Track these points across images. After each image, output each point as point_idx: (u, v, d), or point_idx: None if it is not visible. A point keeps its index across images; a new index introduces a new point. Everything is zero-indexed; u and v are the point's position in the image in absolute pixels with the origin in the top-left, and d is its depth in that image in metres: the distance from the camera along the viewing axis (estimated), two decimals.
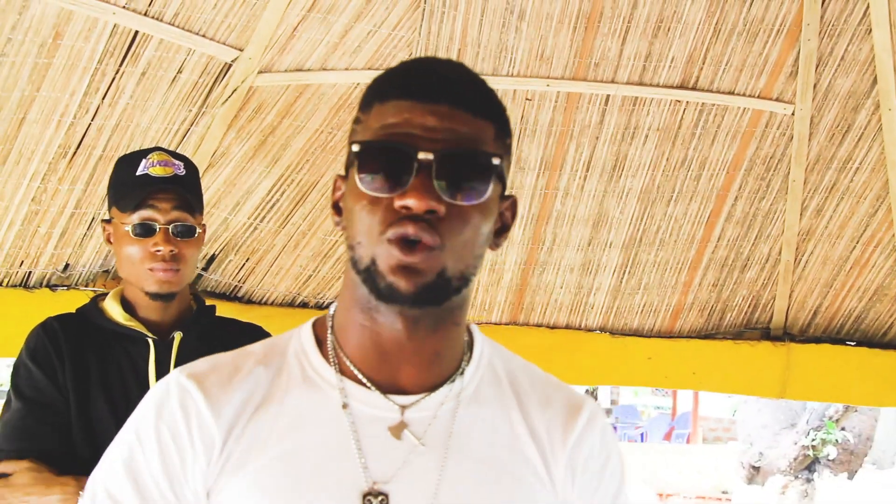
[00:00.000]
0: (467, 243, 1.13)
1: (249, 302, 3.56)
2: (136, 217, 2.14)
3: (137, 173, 2.16)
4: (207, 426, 1.16)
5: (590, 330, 3.88)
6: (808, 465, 11.33)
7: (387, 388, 1.19)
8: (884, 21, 3.14)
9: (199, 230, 2.21)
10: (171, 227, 2.15)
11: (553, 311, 3.83)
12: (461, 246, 1.12)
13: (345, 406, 1.18)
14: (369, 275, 1.12)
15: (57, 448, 2.08)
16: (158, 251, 2.13)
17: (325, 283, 3.61)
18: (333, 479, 1.15)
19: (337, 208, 1.21)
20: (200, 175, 2.40)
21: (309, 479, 1.15)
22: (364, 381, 1.19)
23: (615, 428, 18.87)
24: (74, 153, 3.06)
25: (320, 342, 1.24)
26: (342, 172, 1.21)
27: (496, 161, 1.13)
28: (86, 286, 3.35)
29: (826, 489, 11.91)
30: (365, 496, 1.14)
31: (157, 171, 2.16)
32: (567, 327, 3.87)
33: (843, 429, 11.23)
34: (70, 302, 3.21)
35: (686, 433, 18.26)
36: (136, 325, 2.18)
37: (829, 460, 11.40)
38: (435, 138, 1.10)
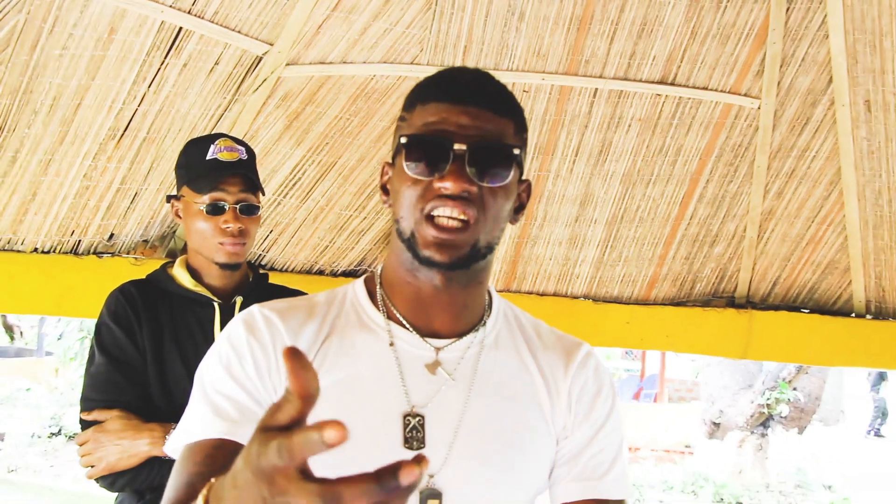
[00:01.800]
0: (494, 218, 1.25)
1: (272, 269, 3.56)
2: (207, 197, 2.22)
3: (208, 157, 2.23)
4: (286, 343, 1.25)
5: (575, 297, 3.89)
6: (763, 421, 11.41)
7: (425, 333, 1.31)
8: (839, 27, 3.15)
9: (260, 208, 2.29)
10: (238, 206, 2.23)
11: (543, 280, 3.85)
12: (490, 220, 1.24)
13: (391, 344, 1.30)
14: (410, 245, 1.25)
15: (138, 400, 2.16)
16: (227, 227, 2.21)
17: (340, 254, 3.63)
18: (381, 401, 1.26)
19: (385, 189, 1.34)
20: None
21: (362, 399, 1.25)
22: (407, 326, 1.31)
23: None
24: (122, 135, 3.06)
25: (370, 294, 1.35)
26: (389, 160, 1.32)
27: (516, 151, 1.25)
28: (127, 254, 3.37)
29: (778, 443, 12.02)
30: (405, 416, 1.25)
31: (225, 157, 2.24)
32: (555, 294, 3.89)
33: (794, 389, 11.31)
34: (113, 267, 3.31)
35: (653, 393, 18.03)
36: (203, 290, 2.26)
37: (781, 417, 11.50)
38: (467, 133, 1.22)
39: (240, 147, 2.31)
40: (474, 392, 1.30)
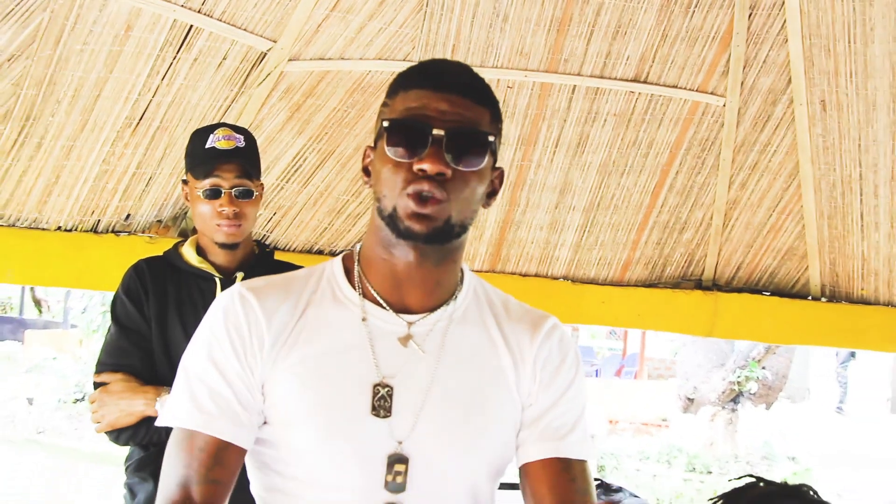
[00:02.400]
0: (467, 200, 1.25)
1: (276, 249, 3.51)
2: (206, 183, 2.24)
3: (206, 146, 2.25)
4: (261, 330, 1.26)
5: (555, 278, 3.88)
6: (734, 397, 11.47)
7: (398, 308, 1.30)
8: (797, 32, 3.18)
9: (256, 192, 2.29)
10: (233, 190, 2.24)
11: (525, 262, 3.84)
12: (462, 202, 1.24)
13: (364, 319, 1.29)
14: (391, 220, 1.23)
15: (142, 363, 2.21)
16: (223, 211, 2.23)
17: (338, 235, 3.64)
18: (353, 372, 1.26)
19: (366, 171, 1.32)
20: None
21: (334, 372, 1.26)
22: (381, 302, 1.30)
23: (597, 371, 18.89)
24: (137, 124, 3.08)
25: (347, 272, 1.34)
26: (371, 144, 1.32)
27: (491, 139, 1.26)
28: (143, 233, 3.38)
29: (747, 418, 12.09)
30: (375, 386, 1.25)
31: (222, 145, 2.25)
32: (536, 275, 3.87)
33: (763, 368, 11.36)
34: (129, 245, 3.32)
35: (634, 371, 18.09)
36: (207, 266, 2.29)
37: (750, 394, 11.55)
38: (446, 119, 1.22)
39: (238, 135, 2.32)
40: (442, 363, 1.29)
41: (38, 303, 20.33)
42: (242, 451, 1.27)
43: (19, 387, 12.44)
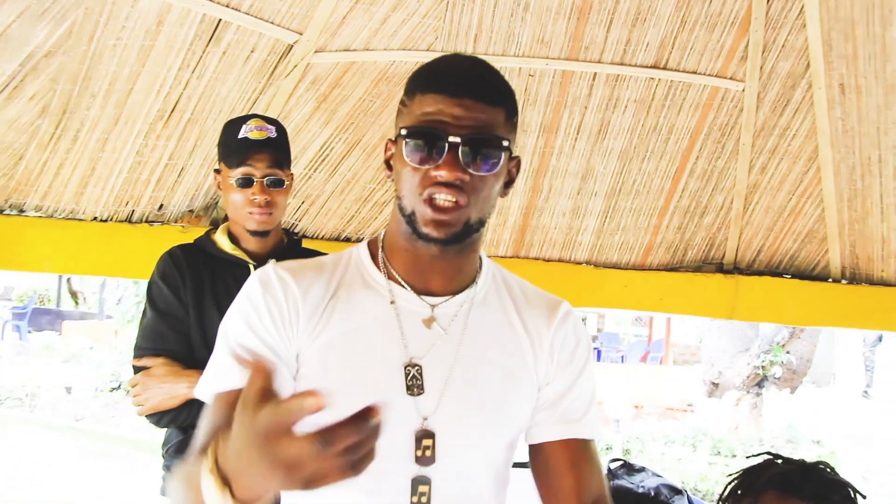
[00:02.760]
0: (485, 199, 1.28)
1: (304, 237, 3.57)
2: (238, 172, 2.26)
3: (239, 136, 2.28)
4: (297, 304, 1.30)
5: (577, 263, 3.91)
6: (758, 381, 11.42)
7: (421, 292, 1.35)
8: (815, 17, 3.16)
9: (287, 181, 2.32)
10: (265, 179, 2.27)
11: (548, 247, 3.87)
12: (481, 202, 1.27)
13: (392, 302, 1.33)
14: (410, 221, 1.27)
15: (181, 348, 2.23)
16: (255, 199, 2.25)
17: (365, 223, 3.67)
18: (383, 353, 1.30)
19: (388, 165, 1.35)
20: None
21: (365, 351, 1.30)
22: (405, 285, 1.35)
23: (599, 352, 18.86)
24: (169, 116, 3.11)
25: (373, 257, 1.38)
26: (392, 138, 1.34)
27: (506, 143, 1.27)
28: (175, 222, 3.42)
29: (772, 402, 12.04)
30: (406, 366, 1.30)
31: (254, 135, 2.28)
32: (559, 260, 3.90)
33: (787, 352, 11.30)
34: (162, 234, 3.36)
35: (659, 356, 18.06)
36: (240, 253, 2.32)
37: (775, 378, 11.49)
38: (461, 125, 1.23)
39: (270, 126, 2.34)
40: (464, 344, 1.33)
41: (74, 294, 20.63)
42: None
43: (58, 376, 12.65)
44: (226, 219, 2.49)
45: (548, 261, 3.91)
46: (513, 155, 1.34)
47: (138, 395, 2.25)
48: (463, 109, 1.23)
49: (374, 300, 1.34)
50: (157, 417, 2.25)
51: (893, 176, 3.48)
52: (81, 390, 12.09)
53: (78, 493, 7.83)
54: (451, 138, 1.22)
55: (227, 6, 2.93)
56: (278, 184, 2.30)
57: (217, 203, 3.49)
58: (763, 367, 11.18)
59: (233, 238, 2.37)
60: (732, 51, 3.38)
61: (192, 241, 2.44)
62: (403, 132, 1.26)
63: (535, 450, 1.42)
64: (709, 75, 3.45)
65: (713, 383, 12.00)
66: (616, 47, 3.38)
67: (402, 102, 1.32)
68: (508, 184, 1.36)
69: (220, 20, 2.96)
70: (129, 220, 3.34)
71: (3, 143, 2.94)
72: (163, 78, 3.02)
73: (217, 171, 2.39)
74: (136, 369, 2.28)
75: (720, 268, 3.93)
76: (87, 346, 14.31)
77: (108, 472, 8.85)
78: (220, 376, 1.30)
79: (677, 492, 3.87)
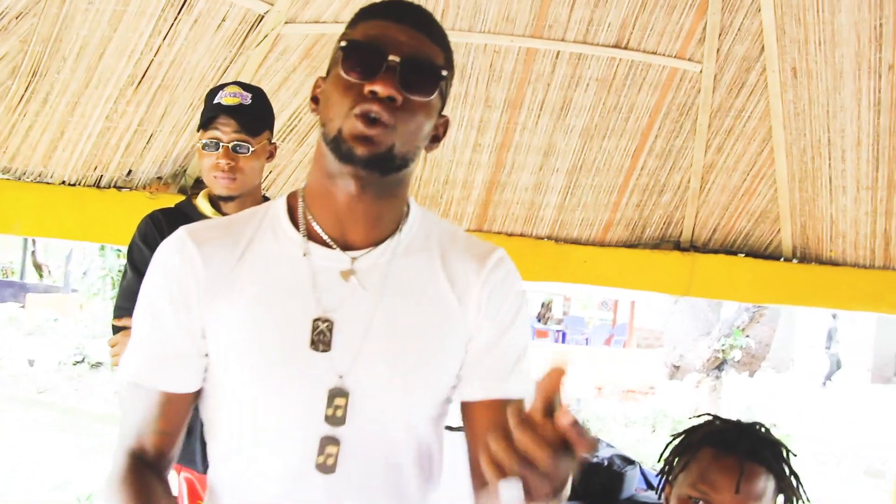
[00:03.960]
0: (412, 133, 1.22)
1: None
2: (207, 135, 2.31)
3: (213, 101, 2.32)
4: (197, 272, 1.25)
5: (539, 238, 3.96)
6: (718, 365, 11.62)
7: (341, 244, 1.27)
8: (769, 2, 3.25)
9: (253, 148, 2.34)
10: (231, 144, 2.30)
11: (511, 222, 3.92)
12: (408, 133, 1.21)
13: (305, 254, 1.26)
14: (335, 142, 1.20)
15: None
16: (219, 163, 2.29)
17: None
18: (293, 308, 1.23)
19: (315, 100, 1.29)
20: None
21: (275, 308, 1.24)
22: (325, 238, 1.27)
23: (564, 334, 19.07)
24: (139, 82, 3.14)
25: (291, 210, 1.30)
26: (323, 76, 1.29)
27: (443, 73, 1.24)
28: (143, 188, 3.43)
29: (731, 385, 12.28)
30: (315, 320, 1.23)
31: (227, 101, 2.31)
32: (522, 235, 3.94)
33: (747, 336, 11.53)
34: (131, 200, 3.37)
35: (623, 340, 18.34)
36: (220, 216, 2.34)
37: (735, 361, 11.74)
38: (401, 47, 1.20)
39: (246, 94, 2.36)
40: (384, 297, 1.26)
41: (38, 267, 20.45)
42: (189, 397, 1.28)
43: (21, 349, 12.59)
44: (194, 186, 2.54)
45: (510, 235, 3.96)
46: (444, 111, 1.30)
47: (117, 354, 2.26)
48: (406, 36, 1.22)
49: (286, 255, 1.27)
50: None
51: (841, 158, 3.60)
52: (45, 363, 12.04)
53: (40, 466, 7.84)
54: (390, 57, 1.20)
55: None
56: (244, 149, 2.33)
57: (185, 171, 3.54)
58: (723, 350, 11.39)
59: (213, 203, 2.41)
60: (691, 33, 3.46)
61: (173, 206, 2.48)
62: (343, 44, 1.23)
63: (461, 409, 1.33)
64: (668, 56, 3.53)
65: (674, 366, 12.22)
66: (579, 26, 3.44)
67: (342, 34, 1.28)
68: (435, 139, 1.30)
69: None
70: (97, 185, 3.37)
71: None
72: (134, 44, 3.06)
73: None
74: (116, 329, 2.31)
75: (677, 245, 4.01)
76: (51, 319, 14.24)
77: (72, 445, 8.86)
78: (127, 365, 1.30)
79: (630, 462, 4.02)
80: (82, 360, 12.28)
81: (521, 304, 1.35)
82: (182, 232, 1.30)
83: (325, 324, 1.23)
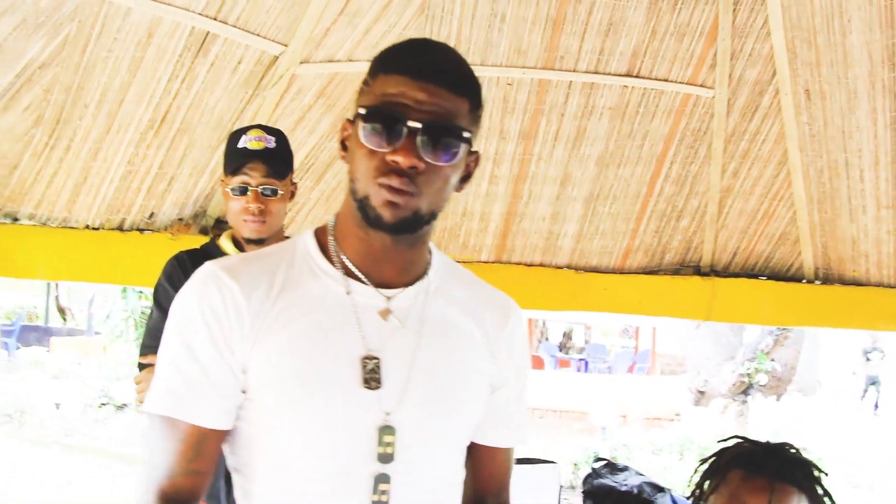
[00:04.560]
0: (439, 191, 1.22)
1: None
2: (235, 181, 2.30)
3: (238, 146, 2.33)
4: (240, 308, 1.22)
5: (558, 267, 3.96)
6: (744, 389, 11.44)
7: (375, 282, 1.27)
8: (779, 26, 3.29)
9: (281, 191, 2.34)
10: (260, 188, 2.30)
11: (530, 252, 3.92)
12: (434, 193, 1.21)
13: (349, 293, 1.26)
14: (362, 205, 1.20)
15: None
16: (249, 207, 2.29)
17: None
18: (341, 346, 1.23)
19: (343, 145, 1.27)
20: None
21: (323, 346, 1.23)
22: (360, 276, 1.27)
23: (587, 363, 18.93)
24: (159, 126, 3.20)
25: (322, 246, 1.30)
26: (350, 118, 1.26)
27: (466, 134, 1.22)
28: (165, 230, 3.48)
29: (758, 409, 12.13)
30: (363, 359, 1.23)
31: (252, 145, 2.32)
32: (541, 265, 3.95)
33: (772, 360, 11.38)
34: (153, 242, 3.42)
35: (646, 367, 18.14)
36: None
37: (760, 385, 11.55)
38: (422, 110, 1.17)
39: (269, 137, 2.38)
40: (423, 336, 1.28)
41: (62, 311, 20.61)
42: (222, 435, 1.26)
43: (46, 392, 12.66)
44: (215, 226, 2.56)
45: (529, 265, 3.97)
46: (472, 149, 1.28)
47: (143, 391, 2.28)
48: (426, 94, 1.18)
49: (328, 292, 1.27)
50: None
51: (860, 178, 3.60)
52: (71, 406, 12.10)
53: None
54: (410, 123, 1.17)
55: (215, 19, 3.04)
56: (273, 193, 2.34)
57: (206, 212, 3.58)
58: (748, 374, 11.25)
59: (237, 243, 2.42)
60: (702, 59, 3.50)
61: (198, 247, 2.50)
62: (362, 111, 1.21)
63: (468, 448, 1.39)
64: (680, 83, 3.57)
65: (699, 391, 12.08)
66: (590, 56, 3.49)
67: (364, 82, 1.26)
68: (465, 178, 1.29)
69: (208, 32, 3.07)
70: (120, 228, 3.43)
71: None
72: (153, 89, 3.13)
73: (222, 180, 2.44)
74: (142, 366, 2.32)
75: (697, 270, 4.02)
76: (75, 362, 14.32)
77: (98, 487, 8.87)
78: (159, 400, 1.26)
79: (660, 489, 3.99)
80: (107, 403, 12.32)
81: (528, 354, 1.45)
82: (215, 266, 1.27)
83: (374, 361, 1.23)
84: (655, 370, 17.51)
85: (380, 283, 1.28)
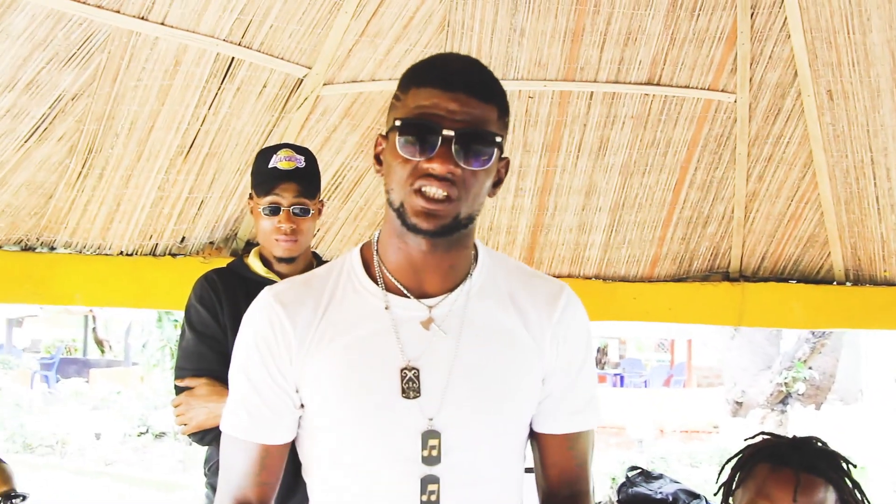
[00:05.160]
0: (475, 195, 1.29)
1: (321, 262, 3.69)
2: (266, 201, 2.34)
3: (269, 166, 2.37)
4: (287, 334, 1.33)
5: (587, 278, 3.97)
6: (782, 399, 11.33)
7: (417, 293, 1.34)
8: (798, 27, 3.29)
9: (312, 210, 2.39)
10: (291, 208, 2.34)
11: (557, 263, 3.93)
12: (471, 197, 1.28)
13: (387, 308, 1.33)
14: (400, 214, 1.28)
15: (221, 368, 2.18)
16: (281, 227, 2.33)
17: None
18: (380, 360, 1.31)
19: (378, 160, 1.36)
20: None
21: (363, 360, 1.31)
22: (401, 289, 1.34)
23: (622, 378, 18.81)
24: (188, 152, 3.24)
25: (366, 262, 1.38)
26: (383, 133, 1.36)
27: (498, 139, 1.29)
28: (197, 254, 3.53)
29: (797, 419, 11.97)
30: (402, 370, 1.31)
31: (283, 165, 2.36)
32: (569, 276, 3.94)
33: (809, 368, 11.25)
34: (185, 266, 3.47)
35: (682, 380, 18.10)
36: (273, 276, 2.36)
37: (799, 394, 11.44)
38: (455, 119, 1.24)
39: (299, 157, 2.43)
40: (463, 341, 1.33)
41: (100, 343, 20.90)
42: (286, 447, 1.39)
43: (87, 423, 12.82)
44: (245, 248, 2.59)
45: (557, 277, 3.92)
46: (503, 155, 1.35)
47: (182, 414, 2.32)
48: (457, 104, 1.25)
49: (369, 308, 1.34)
50: (201, 436, 2.33)
51: (887, 177, 3.58)
52: (110, 436, 12.24)
53: None
54: (444, 132, 1.23)
55: (240, 45, 3.09)
56: (304, 212, 2.38)
57: (237, 234, 3.64)
58: (786, 383, 11.13)
59: (265, 261, 2.44)
60: (722, 64, 3.49)
61: (225, 266, 2.54)
62: (397, 123, 1.27)
63: (537, 438, 1.44)
64: (701, 89, 3.57)
65: (737, 402, 11.95)
66: (610, 66, 3.50)
67: (395, 97, 1.33)
68: (497, 184, 1.36)
69: (233, 58, 3.12)
70: (153, 253, 3.47)
71: (35, 183, 3.12)
72: (181, 115, 3.17)
73: (250, 198, 2.48)
74: (179, 389, 2.36)
75: (726, 276, 4.00)
76: (114, 392, 14.50)
77: None
78: (229, 420, 1.39)
79: (695, 496, 3.96)
80: (146, 431, 12.46)
81: (590, 339, 1.45)
82: (268, 295, 1.38)
83: (412, 372, 1.30)
84: (692, 383, 17.37)
85: (422, 293, 1.34)
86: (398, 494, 1.31)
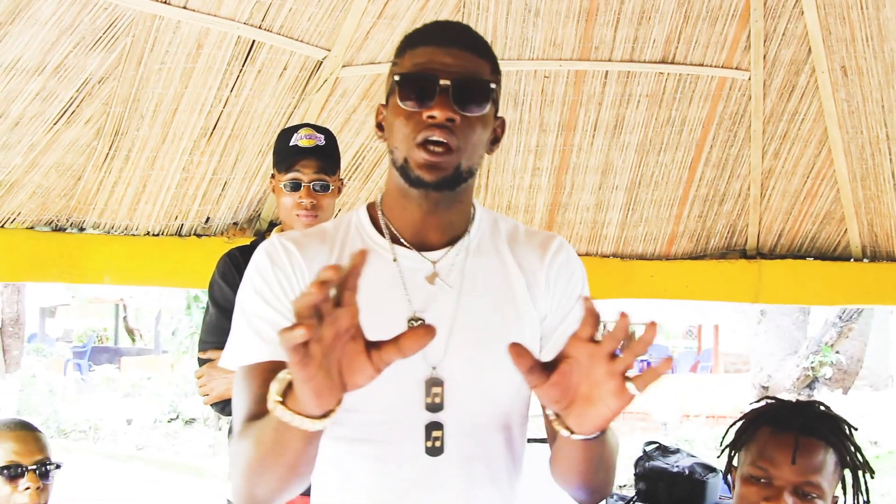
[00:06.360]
0: (474, 145, 1.34)
1: None
2: (287, 177, 2.43)
3: (290, 144, 2.46)
4: (303, 271, 1.37)
5: (604, 256, 4.02)
6: (809, 383, 11.24)
7: (420, 248, 1.40)
8: (811, 4, 3.30)
9: (332, 186, 2.47)
10: (312, 184, 2.43)
11: (575, 242, 3.95)
12: (470, 147, 1.33)
13: (395, 260, 1.39)
14: (403, 169, 1.33)
15: None
16: (302, 202, 2.42)
17: None
18: (388, 310, 1.35)
19: (380, 127, 1.42)
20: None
21: (372, 308, 1.29)
22: (406, 244, 1.40)
23: (649, 364, 18.72)
24: (211, 133, 3.33)
25: (373, 219, 1.44)
26: (383, 102, 1.43)
27: (492, 86, 1.35)
28: (221, 234, 3.62)
29: (825, 403, 11.91)
30: (409, 320, 1.35)
31: (303, 143, 2.45)
32: (587, 254, 3.97)
33: (837, 352, 11.18)
34: (210, 246, 3.56)
35: (709, 366, 18.04)
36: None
37: (826, 379, 11.36)
38: (451, 70, 1.31)
39: (319, 135, 2.51)
40: (464, 293, 1.38)
41: (130, 332, 21.21)
42: None
43: (118, 409, 13.06)
44: (269, 228, 2.66)
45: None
46: (498, 113, 1.41)
47: (204, 385, 2.42)
48: (452, 58, 1.32)
49: (377, 261, 1.36)
50: (222, 406, 2.42)
51: None
52: (141, 421, 12.47)
53: None
54: (441, 81, 1.29)
55: (260, 28, 3.17)
56: (324, 188, 2.46)
57: (260, 215, 3.73)
58: (813, 368, 11.06)
59: None
60: (735, 41, 3.50)
61: (248, 244, 2.62)
62: (396, 79, 1.34)
63: None
64: (715, 66, 3.58)
65: (763, 387, 11.88)
66: (624, 45, 3.53)
67: (392, 63, 1.40)
68: (494, 141, 1.41)
69: (254, 41, 3.20)
70: (178, 233, 3.57)
71: (64, 165, 3.23)
72: (204, 98, 3.27)
73: (272, 177, 2.57)
74: (202, 361, 2.45)
75: (743, 253, 4.02)
76: (145, 379, 14.74)
77: (170, 498, 9.13)
78: (246, 351, 1.36)
79: (711, 470, 3.99)
80: (176, 417, 12.68)
81: (584, 283, 1.48)
82: (282, 237, 1.40)
83: (419, 322, 1.35)
84: (719, 369, 17.29)
85: (424, 247, 1.40)
86: (403, 438, 1.34)
